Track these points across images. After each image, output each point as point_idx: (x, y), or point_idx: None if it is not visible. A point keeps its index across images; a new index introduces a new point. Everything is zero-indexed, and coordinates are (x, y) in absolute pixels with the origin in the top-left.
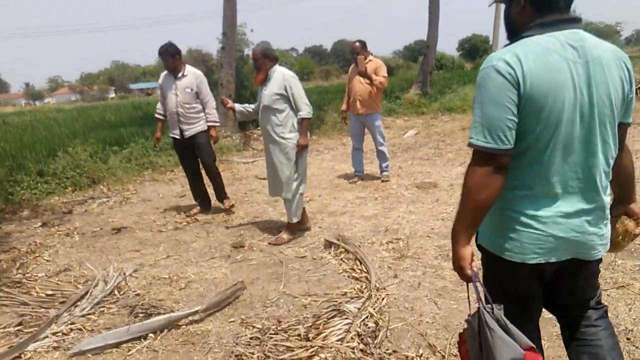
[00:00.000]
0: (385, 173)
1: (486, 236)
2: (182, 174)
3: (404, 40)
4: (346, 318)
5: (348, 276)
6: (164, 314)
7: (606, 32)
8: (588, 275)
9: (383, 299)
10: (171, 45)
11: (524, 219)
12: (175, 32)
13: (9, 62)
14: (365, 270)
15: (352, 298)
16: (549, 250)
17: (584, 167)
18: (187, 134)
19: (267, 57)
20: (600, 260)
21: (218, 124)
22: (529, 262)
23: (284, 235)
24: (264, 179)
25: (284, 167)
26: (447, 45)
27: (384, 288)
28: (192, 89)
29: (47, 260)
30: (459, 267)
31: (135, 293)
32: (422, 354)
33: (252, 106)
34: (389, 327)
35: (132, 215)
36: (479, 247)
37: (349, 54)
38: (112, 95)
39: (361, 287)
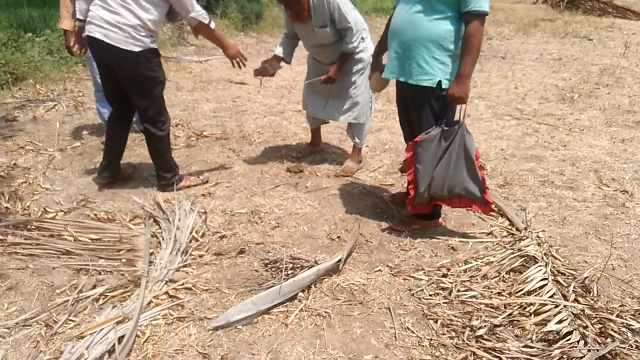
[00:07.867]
0: None
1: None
2: None
3: None
4: (539, 266)
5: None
6: (307, 267)
7: None
8: None
9: (541, 238)
10: None
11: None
12: None
13: None
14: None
15: (502, 240)
16: None
17: None
18: None
19: None
20: None
21: None
22: None
23: (352, 164)
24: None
25: (359, 89)
26: None
27: (528, 226)
28: None
29: (46, 189)
30: (467, 96)
31: (220, 235)
32: None
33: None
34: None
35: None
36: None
37: None
38: None
39: (502, 224)
